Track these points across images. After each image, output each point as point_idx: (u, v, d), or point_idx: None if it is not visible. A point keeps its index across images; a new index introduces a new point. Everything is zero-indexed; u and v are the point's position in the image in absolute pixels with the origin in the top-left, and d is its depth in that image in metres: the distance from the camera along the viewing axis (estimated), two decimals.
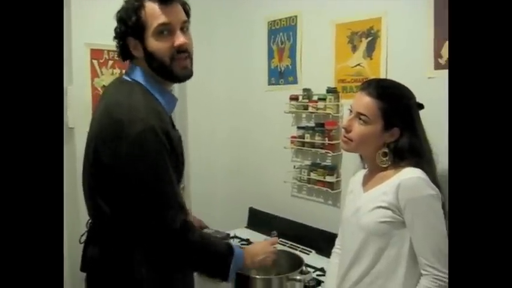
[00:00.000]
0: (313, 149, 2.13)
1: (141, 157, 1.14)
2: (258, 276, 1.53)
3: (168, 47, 1.22)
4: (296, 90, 2.21)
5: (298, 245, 2.13)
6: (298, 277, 1.50)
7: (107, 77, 2.31)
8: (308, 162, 2.21)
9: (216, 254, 1.26)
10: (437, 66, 1.66)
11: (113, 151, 1.16)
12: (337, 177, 2.07)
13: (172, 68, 1.24)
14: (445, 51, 1.63)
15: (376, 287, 1.29)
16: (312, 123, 2.17)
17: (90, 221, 1.32)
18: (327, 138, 2.05)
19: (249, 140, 2.60)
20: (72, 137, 2.17)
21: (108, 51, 2.30)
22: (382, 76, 1.84)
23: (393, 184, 1.26)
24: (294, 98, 2.19)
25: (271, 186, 2.44)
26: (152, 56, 1.23)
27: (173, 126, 1.30)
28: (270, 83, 2.42)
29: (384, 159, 1.33)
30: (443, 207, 1.25)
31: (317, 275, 1.80)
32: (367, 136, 1.32)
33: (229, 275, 1.27)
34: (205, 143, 2.72)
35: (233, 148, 2.72)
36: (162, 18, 1.21)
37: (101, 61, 2.30)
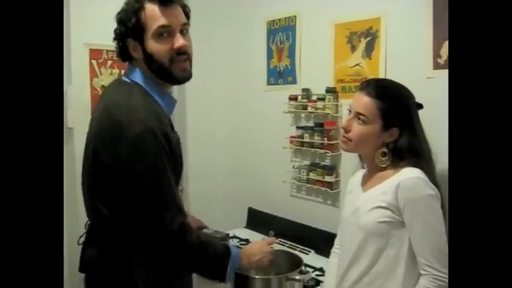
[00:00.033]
0: (312, 149, 2.13)
1: (140, 158, 1.14)
2: (257, 276, 1.53)
3: (168, 49, 1.22)
4: (295, 90, 2.21)
5: (297, 245, 2.14)
6: (297, 277, 1.50)
7: (106, 77, 2.31)
8: (307, 162, 2.21)
9: (213, 255, 1.26)
10: (436, 66, 1.66)
11: (112, 152, 1.15)
12: (336, 177, 2.07)
13: (171, 70, 1.24)
14: (444, 51, 1.63)
15: (375, 287, 1.29)
16: (311, 123, 2.17)
17: (88, 223, 1.32)
18: (326, 138, 2.05)
19: (248, 140, 2.60)
20: (71, 137, 2.17)
21: (107, 51, 2.30)
22: (381, 76, 1.84)
23: (392, 184, 1.26)
24: (293, 98, 2.19)
25: (271, 186, 2.44)
26: (151, 58, 1.23)
27: (172, 128, 1.30)
28: (269, 83, 2.42)
29: (383, 159, 1.33)
30: (442, 207, 1.25)
31: (316, 275, 1.81)
32: (366, 136, 1.32)
33: (226, 275, 1.27)
34: (205, 143, 2.72)
35: (232, 148, 2.72)
36: (162, 20, 1.21)
37: (100, 61, 2.30)
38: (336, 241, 1.57)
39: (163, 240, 1.18)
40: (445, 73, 1.60)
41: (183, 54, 1.25)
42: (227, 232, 2.08)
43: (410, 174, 1.26)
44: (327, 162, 2.14)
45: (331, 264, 1.53)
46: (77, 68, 2.21)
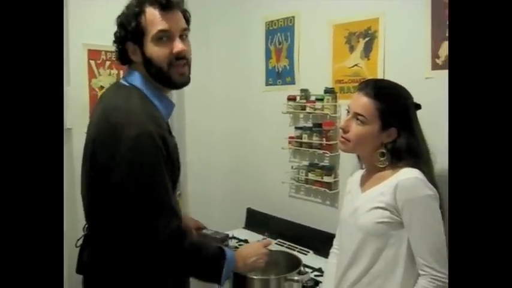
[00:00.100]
0: (310, 150, 2.13)
1: (137, 161, 1.14)
2: (255, 277, 1.52)
3: (167, 54, 1.23)
4: (294, 90, 2.21)
5: (296, 246, 2.14)
6: (296, 277, 1.50)
7: (105, 77, 2.31)
8: (306, 163, 2.21)
9: (209, 258, 1.26)
10: (435, 67, 1.66)
11: (109, 154, 1.15)
12: (334, 178, 2.07)
13: (170, 74, 1.25)
14: (442, 52, 1.64)
15: (374, 287, 1.29)
16: (309, 124, 2.17)
17: (86, 226, 1.32)
18: (324, 139, 2.05)
19: (246, 141, 2.60)
20: (70, 137, 2.16)
21: (106, 51, 2.29)
22: (380, 76, 1.84)
23: (391, 184, 1.27)
24: (292, 99, 2.19)
25: (269, 187, 2.44)
26: (150, 62, 1.23)
27: (170, 132, 1.31)
28: (267, 84, 2.42)
29: (382, 159, 1.33)
30: (441, 207, 1.26)
31: (315, 276, 1.81)
32: (364, 136, 1.32)
33: (222, 278, 1.26)
34: (203, 144, 2.71)
35: (231, 148, 2.72)
36: (161, 25, 1.21)
37: (98, 62, 2.30)
38: (335, 241, 1.57)
39: (158, 243, 1.17)
40: (443, 73, 1.60)
41: (182, 59, 1.25)
42: (227, 233, 2.08)
43: (408, 174, 1.26)
44: (326, 162, 2.14)
45: (330, 265, 1.53)
46: (75, 68, 2.21)
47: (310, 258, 1.98)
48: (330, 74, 2.06)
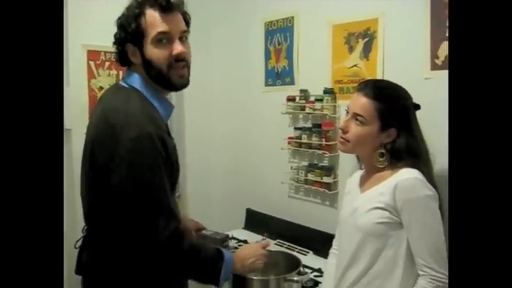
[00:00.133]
0: (310, 150, 2.13)
1: (136, 163, 1.14)
2: (255, 277, 1.52)
3: (166, 55, 1.23)
4: (293, 91, 2.22)
5: (296, 246, 2.14)
6: (295, 278, 1.50)
7: (104, 78, 2.31)
8: (305, 163, 2.21)
9: (207, 259, 1.26)
10: (434, 67, 1.66)
11: (109, 156, 1.15)
12: (334, 178, 2.07)
13: (169, 76, 1.25)
14: (441, 52, 1.64)
15: (374, 287, 1.29)
16: (309, 124, 2.17)
17: (85, 227, 1.32)
18: (324, 139, 2.05)
19: (246, 141, 2.60)
20: (69, 138, 2.16)
21: (105, 52, 2.29)
22: (379, 77, 1.85)
23: (390, 185, 1.27)
24: (291, 99, 2.19)
25: (269, 187, 2.44)
26: (150, 64, 1.24)
27: (169, 133, 1.31)
28: (267, 84, 2.42)
29: (381, 159, 1.33)
30: (440, 207, 1.26)
31: (314, 276, 1.81)
32: (363, 137, 1.32)
33: (220, 279, 1.26)
34: (203, 144, 2.72)
35: (230, 149, 2.72)
36: (161, 27, 1.22)
37: (98, 62, 2.30)
38: (334, 242, 1.57)
39: (156, 244, 1.17)
40: (442, 74, 1.60)
41: (182, 61, 1.26)
42: (226, 233, 2.08)
43: (408, 175, 1.26)
44: (325, 163, 2.14)
45: (330, 265, 1.53)
46: (75, 69, 2.20)
47: (309, 259, 1.98)
48: (329, 74, 2.06)
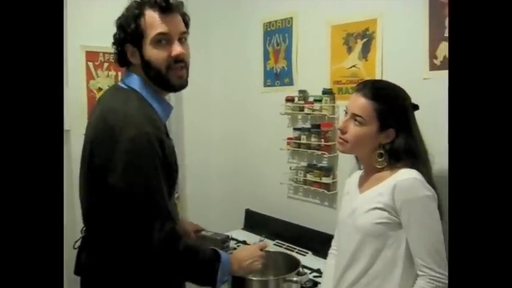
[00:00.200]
0: (309, 150, 2.13)
1: (134, 164, 1.14)
2: (254, 278, 1.52)
3: (165, 56, 1.23)
4: (292, 91, 2.22)
5: (295, 247, 2.13)
6: (294, 278, 1.50)
7: (103, 79, 2.31)
8: (304, 164, 2.21)
9: (203, 261, 1.25)
10: (433, 67, 1.67)
11: (107, 156, 1.15)
12: (333, 179, 2.07)
13: (168, 77, 1.25)
14: (440, 52, 1.64)
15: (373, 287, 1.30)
16: (307, 125, 2.17)
17: (84, 228, 1.32)
18: (322, 140, 2.05)
19: (245, 142, 2.60)
20: (68, 139, 2.16)
21: (104, 53, 2.29)
22: (378, 77, 1.85)
23: (389, 185, 1.27)
24: (290, 100, 2.19)
25: (268, 188, 2.44)
26: (149, 64, 1.24)
27: (167, 134, 1.31)
28: (265, 85, 2.42)
29: (380, 160, 1.33)
30: (439, 208, 1.26)
31: (314, 277, 1.80)
32: (362, 137, 1.32)
33: (217, 281, 1.26)
34: (202, 145, 2.72)
35: (229, 150, 2.72)
36: (161, 28, 1.22)
37: (96, 63, 2.30)
38: (333, 242, 1.57)
39: (153, 245, 1.17)
40: (441, 74, 1.60)
41: (180, 62, 1.26)
42: (227, 234, 2.08)
43: (407, 175, 1.26)
44: (324, 163, 2.14)
45: (329, 266, 1.53)
46: (74, 70, 2.20)
47: (308, 259, 1.98)
48: (328, 75, 2.06)
